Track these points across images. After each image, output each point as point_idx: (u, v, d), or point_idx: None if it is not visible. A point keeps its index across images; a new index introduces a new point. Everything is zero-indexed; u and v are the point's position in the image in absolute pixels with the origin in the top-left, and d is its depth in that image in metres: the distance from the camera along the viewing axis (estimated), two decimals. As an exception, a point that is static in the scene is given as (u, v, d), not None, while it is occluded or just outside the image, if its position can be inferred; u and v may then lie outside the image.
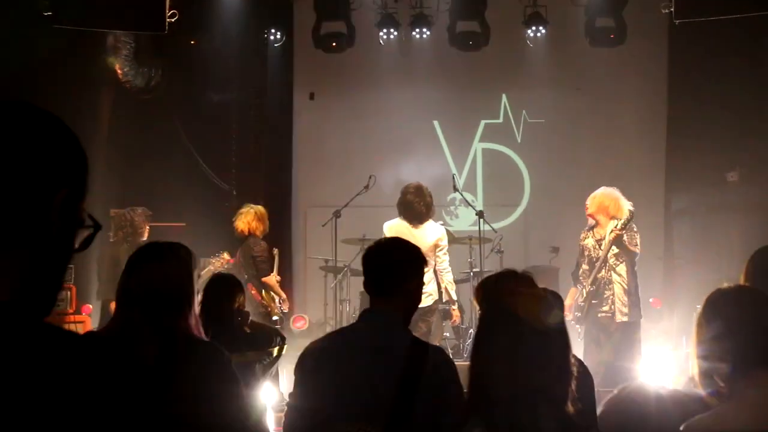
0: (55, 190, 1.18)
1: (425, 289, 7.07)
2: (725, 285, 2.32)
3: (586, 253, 7.08)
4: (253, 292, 7.63)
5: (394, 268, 2.95)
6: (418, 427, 2.70)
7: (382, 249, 3.02)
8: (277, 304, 7.61)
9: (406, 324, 2.96)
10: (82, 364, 1.11)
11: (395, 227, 7.10)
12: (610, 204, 7.01)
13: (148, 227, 7.41)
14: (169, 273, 2.69)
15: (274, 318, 7.52)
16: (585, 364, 3.88)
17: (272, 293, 7.62)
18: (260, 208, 7.72)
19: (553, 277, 9.29)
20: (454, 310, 7.43)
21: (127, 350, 2.52)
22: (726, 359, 2.03)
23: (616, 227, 6.86)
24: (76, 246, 1.25)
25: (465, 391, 2.92)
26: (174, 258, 2.74)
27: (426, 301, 7.07)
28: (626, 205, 6.97)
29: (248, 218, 7.57)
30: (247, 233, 7.56)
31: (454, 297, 7.42)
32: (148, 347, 2.52)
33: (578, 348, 7.03)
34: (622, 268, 6.94)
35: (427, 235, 7.11)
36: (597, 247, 7.04)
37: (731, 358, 2.03)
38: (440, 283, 7.22)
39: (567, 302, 6.96)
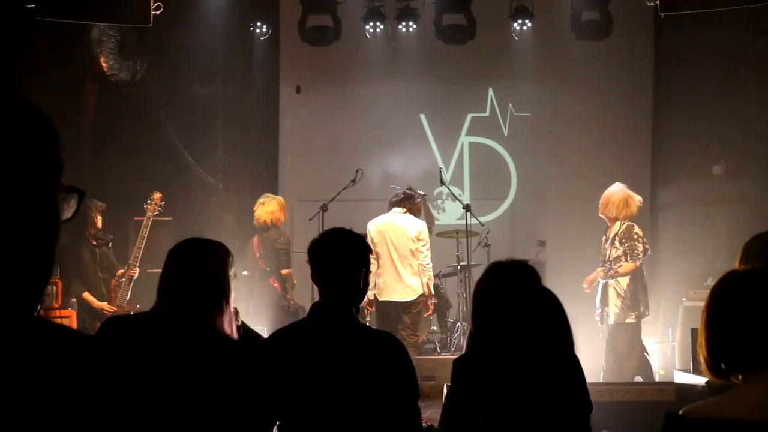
0: (31, 178, 1.15)
1: (409, 283, 7.20)
2: (742, 267, 2.18)
3: (601, 252, 7.24)
4: (275, 285, 7.62)
5: (340, 262, 2.99)
6: (372, 413, 2.75)
7: (326, 243, 3.04)
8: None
9: (356, 311, 3.02)
10: (80, 360, 1.09)
11: (381, 226, 7.18)
12: (611, 204, 7.16)
13: (99, 218, 7.27)
14: (208, 268, 2.74)
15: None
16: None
17: (287, 286, 7.63)
18: (280, 199, 7.70)
19: (540, 271, 9.31)
20: (431, 304, 7.41)
21: (157, 342, 2.54)
22: (738, 347, 1.96)
23: (615, 241, 7.01)
24: (67, 217, 1.23)
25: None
26: (213, 254, 2.80)
27: (409, 296, 7.11)
28: (634, 205, 7.15)
29: (271, 208, 7.53)
30: (269, 223, 7.52)
31: (433, 292, 7.48)
32: (179, 341, 2.55)
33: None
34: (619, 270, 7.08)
35: (407, 227, 7.18)
36: (604, 247, 7.22)
37: (744, 347, 1.95)
38: (421, 278, 7.21)
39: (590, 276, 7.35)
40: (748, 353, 1.96)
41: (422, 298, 7.24)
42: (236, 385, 2.58)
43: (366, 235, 6.95)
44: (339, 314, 2.92)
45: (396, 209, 7.34)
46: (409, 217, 7.31)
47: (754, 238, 3.23)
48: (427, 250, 7.25)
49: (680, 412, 1.98)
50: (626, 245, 7.04)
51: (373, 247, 6.87)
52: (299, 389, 2.78)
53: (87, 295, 7.14)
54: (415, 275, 7.19)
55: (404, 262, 7.18)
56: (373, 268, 6.94)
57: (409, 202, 7.38)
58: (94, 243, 7.29)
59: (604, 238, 7.30)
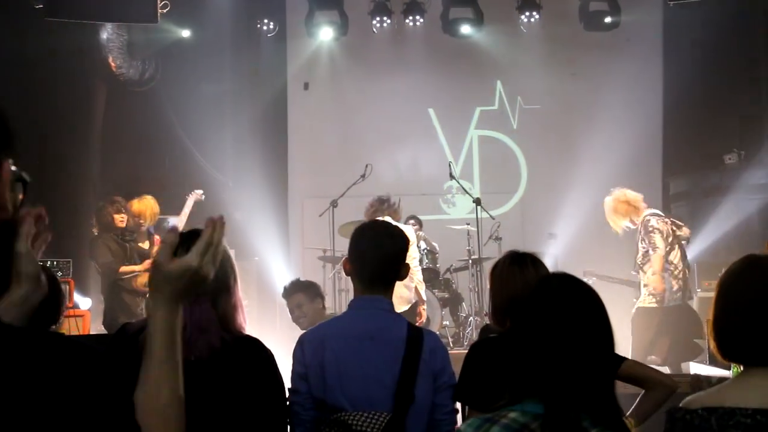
0: None
1: (399, 293, 6.93)
2: (756, 254, 2.08)
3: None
4: None
5: (393, 258, 2.91)
6: (418, 411, 2.72)
7: (377, 238, 2.93)
8: None
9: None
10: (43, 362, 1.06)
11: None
12: (610, 210, 7.19)
13: (120, 216, 7.28)
14: (230, 261, 2.67)
15: None
16: None
17: None
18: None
19: (551, 263, 9.28)
20: (423, 310, 7.17)
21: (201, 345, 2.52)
22: (746, 335, 1.94)
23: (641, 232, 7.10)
24: (19, 200, 1.20)
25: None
26: (223, 248, 2.72)
27: (403, 305, 6.81)
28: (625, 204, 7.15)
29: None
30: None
31: (424, 297, 7.23)
32: (210, 343, 2.53)
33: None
34: (647, 267, 7.08)
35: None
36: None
37: (752, 335, 1.93)
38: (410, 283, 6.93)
39: None
40: (750, 348, 1.94)
41: (417, 305, 7.02)
42: (261, 381, 2.58)
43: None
44: (385, 309, 2.87)
45: (378, 218, 7.12)
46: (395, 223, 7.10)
47: None
48: (415, 251, 7.08)
49: (680, 404, 1.97)
50: (646, 241, 7.09)
51: None
52: (347, 384, 2.74)
53: (124, 268, 7.14)
54: (403, 285, 6.73)
55: None
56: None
57: (389, 207, 7.11)
58: (123, 238, 7.26)
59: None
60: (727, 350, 1.97)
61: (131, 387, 1.20)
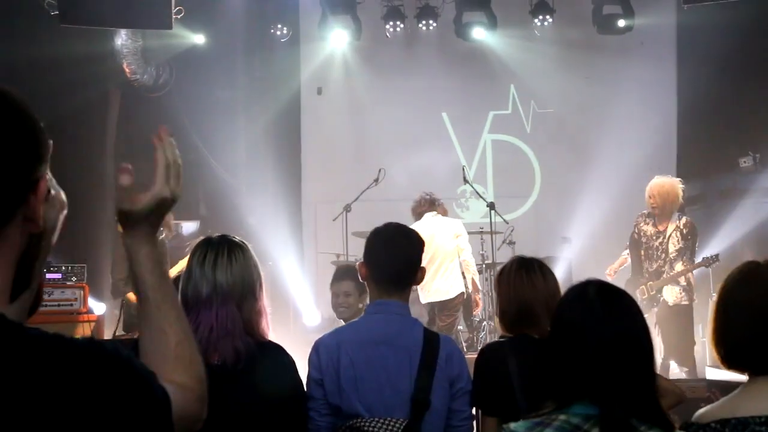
0: (36, 176, 1.14)
1: (450, 280, 7.26)
2: (757, 260, 2.05)
3: (643, 241, 7.15)
4: None
5: (410, 261, 2.89)
6: (434, 418, 2.71)
7: (394, 240, 2.91)
8: None
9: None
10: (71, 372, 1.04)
11: (426, 230, 7.32)
12: (674, 196, 7.11)
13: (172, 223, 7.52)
14: (256, 266, 2.70)
15: None
16: None
17: None
18: None
19: (565, 268, 9.25)
20: (479, 298, 7.73)
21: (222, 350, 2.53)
22: (748, 343, 1.92)
23: (677, 235, 6.99)
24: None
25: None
26: (250, 252, 2.73)
27: (451, 293, 7.21)
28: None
29: None
30: None
31: (479, 286, 7.77)
32: (234, 346, 2.53)
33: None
34: (678, 265, 7.01)
35: (449, 227, 7.43)
36: (657, 237, 7.10)
37: (754, 344, 1.90)
38: (464, 273, 7.46)
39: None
40: (754, 357, 1.91)
41: (461, 298, 7.45)
42: (283, 387, 2.62)
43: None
44: (401, 313, 2.86)
45: (429, 214, 7.47)
46: (445, 218, 7.56)
47: None
48: (468, 243, 7.50)
49: (693, 419, 1.96)
50: (690, 241, 7.02)
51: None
52: (364, 389, 2.77)
53: (131, 296, 7.22)
54: (451, 275, 7.36)
55: (444, 263, 7.32)
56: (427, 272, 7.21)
57: (439, 205, 7.58)
58: None
59: (653, 229, 7.14)
60: (730, 359, 1.95)
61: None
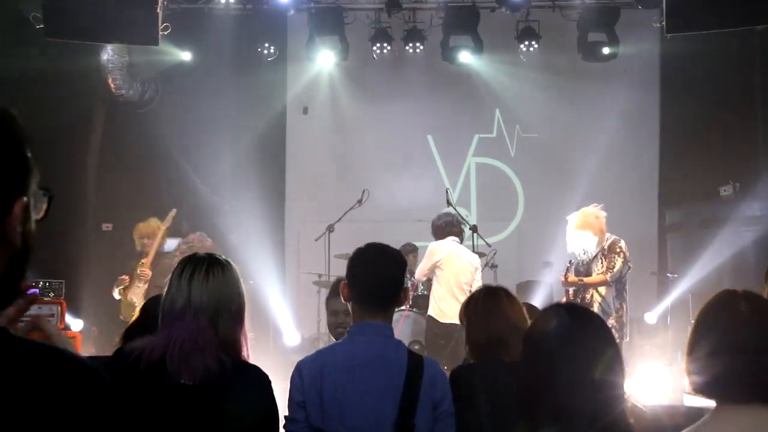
0: (12, 199, 1.17)
1: (443, 306, 7.31)
2: (734, 288, 2.04)
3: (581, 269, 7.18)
4: None
5: (393, 281, 2.88)
6: None
7: (378, 260, 2.90)
8: None
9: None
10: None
11: (450, 252, 7.53)
12: (594, 222, 7.11)
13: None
14: (237, 286, 2.68)
15: None
16: None
17: None
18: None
19: (547, 292, 9.26)
20: None
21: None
22: (717, 380, 1.92)
23: (600, 256, 6.96)
24: (40, 217, 1.24)
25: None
26: (233, 271, 2.71)
27: (447, 318, 7.21)
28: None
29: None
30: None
31: None
32: (206, 363, 2.50)
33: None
34: (603, 289, 7.00)
35: (471, 259, 7.64)
36: (589, 264, 7.12)
37: (721, 382, 1.90)
38: None
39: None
40: (721, 385, 1.91)
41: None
42: (259, 409, 2.57)
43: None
44: (385, 335, 2.84)
45: (452, 238, 7.61)
46: (467, 249, 7.76)
47: None
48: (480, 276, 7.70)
49: None
50: (603, 261, 7.06)
51: (438, 269, 7.33)
52: (347, 411, 2.74)
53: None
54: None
55: (463, 289, 7.43)
56: (442, 288, 7.31)
57: (459, 230, 7.76)
58: None
59: (585, 255, 7.17)
60: (700, 386, 1.95)
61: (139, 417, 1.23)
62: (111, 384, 1.15)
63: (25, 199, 1.18)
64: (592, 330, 1.96)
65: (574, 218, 7.24)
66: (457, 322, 7.15)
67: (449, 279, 7.44)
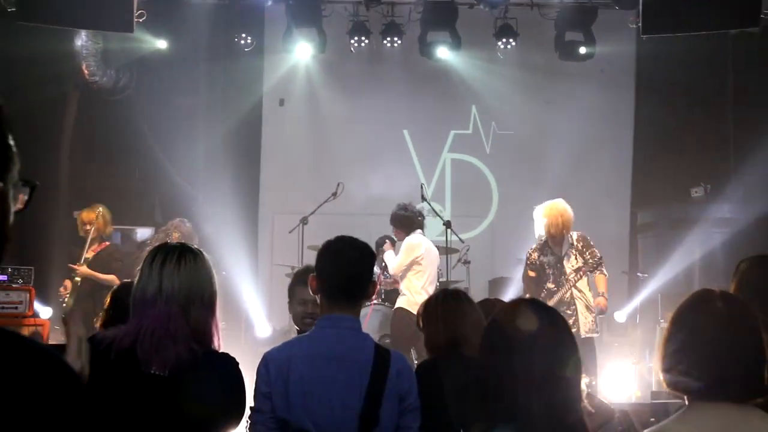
0: None
1: (419, 299, 7.32)
2: (712, 288, 2.10)
3: (549, 271, 7.07)
4: None
5: (362, 273, 2.89)
6: None
7: (348, 252, 2.90)
8: None
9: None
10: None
11: (428, 245, 7.65)
12: (567, 219, 7.08)
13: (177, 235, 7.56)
14: (208, 275, 2.69)
15: None
16: None
17: None
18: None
19: (519, 289, 9.32)
20: None
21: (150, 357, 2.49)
22: (688, 376, 1.96)
23: (574, 252, 6.94)
24: (21, 208, 1.23)
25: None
26: (205, 260, 2.72)
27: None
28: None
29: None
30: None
31: None
32: (177, 351, 2.51)
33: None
34: (582, 284, 6.99)
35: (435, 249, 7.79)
36: (559, 264, 7.06)
37: (692, 379, 1.92)
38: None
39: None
40: (695, 381, 1.94)
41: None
42: (230, 395, 2.60)
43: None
44: (352, 328, 2.85)
45: (420, 231, 7.73)
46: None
47: (753, 262, 3.09)
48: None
49: None
50: (588, 253, 7.00)
51: (417, 264, 7.43)
52: (312, 404, 2.75)
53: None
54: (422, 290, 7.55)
55: (434, 283, 7.58)
56: (419, 282, 7.30)
57: (423, 222, 7.93)
58: None
59: (550, 257, 7.09)
60: (674, 382, 1.97)
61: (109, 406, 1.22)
62: (76, 372, 1.14)
63: (1, 184, 1.16)
64: (554, 328, 1.97)
65: (545, 207, 7.20)
66: None
67: (428, 273, 7.50)
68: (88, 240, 7.70)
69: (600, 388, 7.01)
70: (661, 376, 2.01)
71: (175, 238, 7.41)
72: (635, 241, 10.31)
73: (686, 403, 1.96)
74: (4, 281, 6.70)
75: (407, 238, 7.64)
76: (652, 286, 8.81)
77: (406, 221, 7.69)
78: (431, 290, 7.38)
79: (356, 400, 2.69)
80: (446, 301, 3.29)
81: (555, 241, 7.08)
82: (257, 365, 2.82)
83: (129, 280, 2.86)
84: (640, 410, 5.63)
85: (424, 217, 7.86)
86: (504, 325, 2.00)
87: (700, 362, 1.93)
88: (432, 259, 7.65)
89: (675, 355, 1.98)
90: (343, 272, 2.86)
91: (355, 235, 3.02)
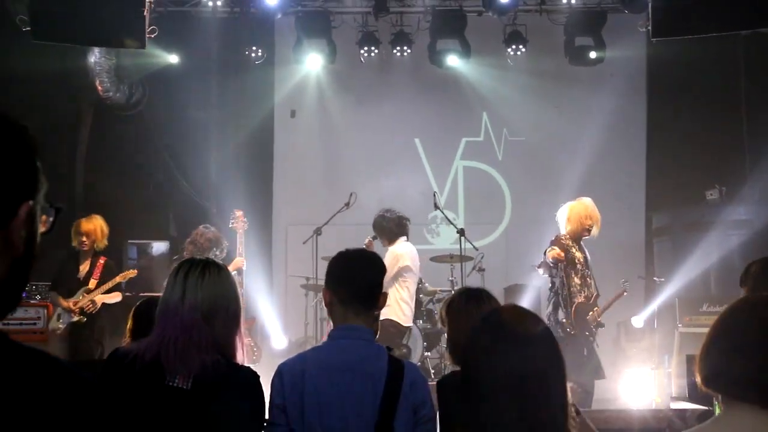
0: (18, 203, 1.17)
1: (405, 310, 7.28)
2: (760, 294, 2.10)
3: (579, 267, 6.98)
4: None
5: (372, 284, 2.90)
6: None
7: (359, 263, 2.94)
8: None
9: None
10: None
11: (413, 254, 7.46)
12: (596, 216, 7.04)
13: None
14: (233, 288, 2.74)
15: None
16: None
17: None
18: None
19: (534, 296, 9.30)
20: None
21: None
22: (725, 379, 1.96)
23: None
24: (45, 230, 1.24)
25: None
26: (228, 274, 2.77)
27: (409, 321, 7.21)
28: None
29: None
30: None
31: None
32: (202, 360, 2.53)
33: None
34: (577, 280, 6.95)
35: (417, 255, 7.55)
36: (587, 260, 7.01)
37: (730, 382, 1.94)
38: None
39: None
40: (735, 382, 1.94)
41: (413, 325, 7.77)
42: (250, 411, 2.62)
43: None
44: (366, 339, 2.85)
45: (404, 238, 7.48)
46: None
47: (764, 264, 3.09)
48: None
49: None
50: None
51: (403, 275, 7.26)
52: (327, 416, 2.74)
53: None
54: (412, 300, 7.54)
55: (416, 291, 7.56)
56: (403, 292, 7.23)
57: (408, 229, 7.63)
58: None
59: (579, 253, 6.95)
60: (708, 379, 1.97)
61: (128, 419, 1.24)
62: (97, 386, 1.16)
63: (31, 203, 1.19)
64: (528, 338, 1.96)
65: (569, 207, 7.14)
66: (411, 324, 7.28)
67: (413, 283, 7.44)
68: (87, 257, 7.33)
69: (620, 393, 6.99)
70: (698, 379, 2.01)
71: (203, 244, 7.35)
72: (651, 245, 10.26)
73: (716, 408, 1.96)
74: (22, 297, 6.74)
75: (391, 248, 7.36)
76: (669, 291, 8.74)
77: (390, 230, 7.40)
78: (412, 302, 7.45)
79: (370, 411, 2.69)
80: (468, 302, 3.26)
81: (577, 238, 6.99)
82: (272, 378, 2.82)
83: (150, 295, 2.90)
84: (659, 416, 5.59)
85: (408, 221, 7.53)
86: (474, 342, 2.00)
87: (742, 363, 1.93)
88: (417, 268, 7.53)
89: (715, 354, 1.98)
90: (354, 284, 2.87)
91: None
